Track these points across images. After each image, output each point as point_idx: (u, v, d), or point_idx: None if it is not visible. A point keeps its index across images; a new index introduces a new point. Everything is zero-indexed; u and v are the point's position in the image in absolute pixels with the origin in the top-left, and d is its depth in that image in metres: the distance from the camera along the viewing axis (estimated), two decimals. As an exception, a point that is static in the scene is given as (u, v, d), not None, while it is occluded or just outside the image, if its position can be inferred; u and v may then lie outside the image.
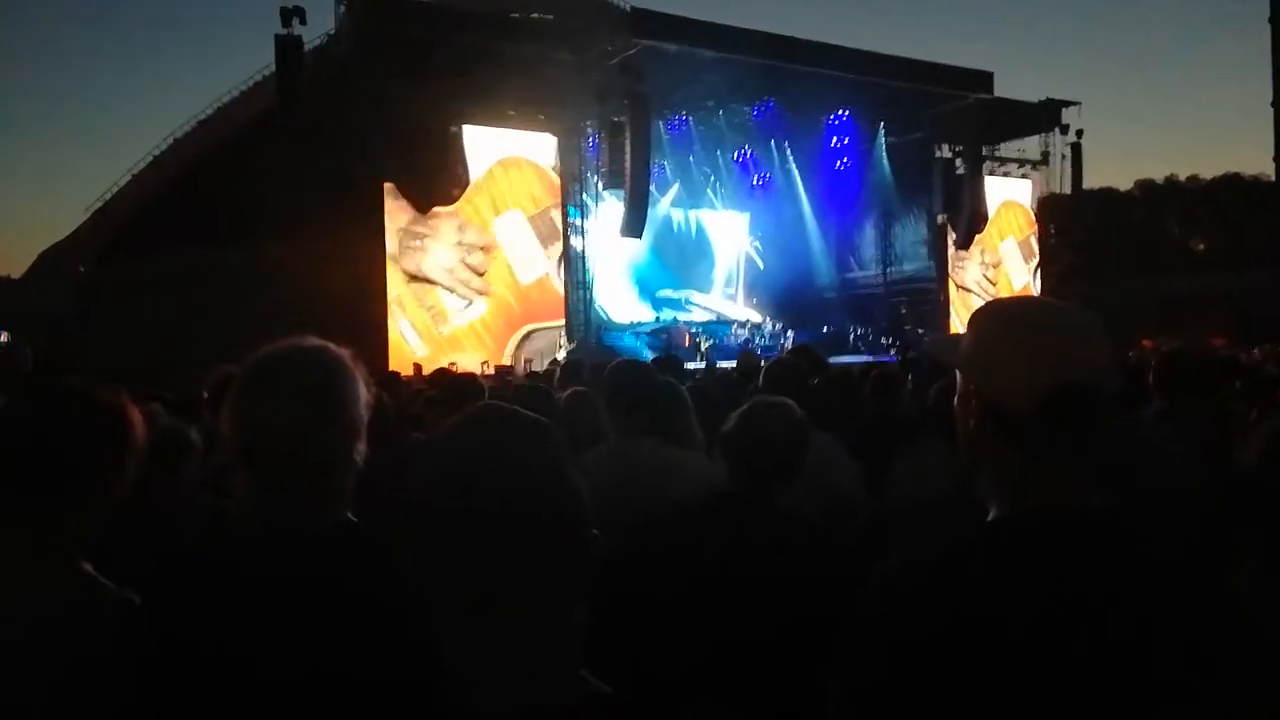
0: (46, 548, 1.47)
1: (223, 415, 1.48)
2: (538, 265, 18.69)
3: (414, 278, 17.16)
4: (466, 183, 17.63)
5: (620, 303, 25.59)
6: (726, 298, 27.97)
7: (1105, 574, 1.11)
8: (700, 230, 27.53)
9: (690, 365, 13.23)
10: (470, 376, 5.31)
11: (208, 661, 1.27)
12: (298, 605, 1.29)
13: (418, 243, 16.94)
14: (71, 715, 1.36)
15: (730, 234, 28.12)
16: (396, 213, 16.96)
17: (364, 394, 1.53)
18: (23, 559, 1.46)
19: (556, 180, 18.76)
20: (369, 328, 17.77)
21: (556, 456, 0.96)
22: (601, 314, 24.31)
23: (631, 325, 24.80)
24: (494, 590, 0.89)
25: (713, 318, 26.44)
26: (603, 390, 3.18)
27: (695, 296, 27.18)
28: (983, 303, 1.33)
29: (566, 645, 0.94)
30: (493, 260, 18.20)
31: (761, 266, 28.44)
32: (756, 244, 28.63)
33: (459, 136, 18.28)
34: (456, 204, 17.38)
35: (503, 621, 0.90)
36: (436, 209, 17.43)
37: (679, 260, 26.98)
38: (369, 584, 1.17)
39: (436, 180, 16.94)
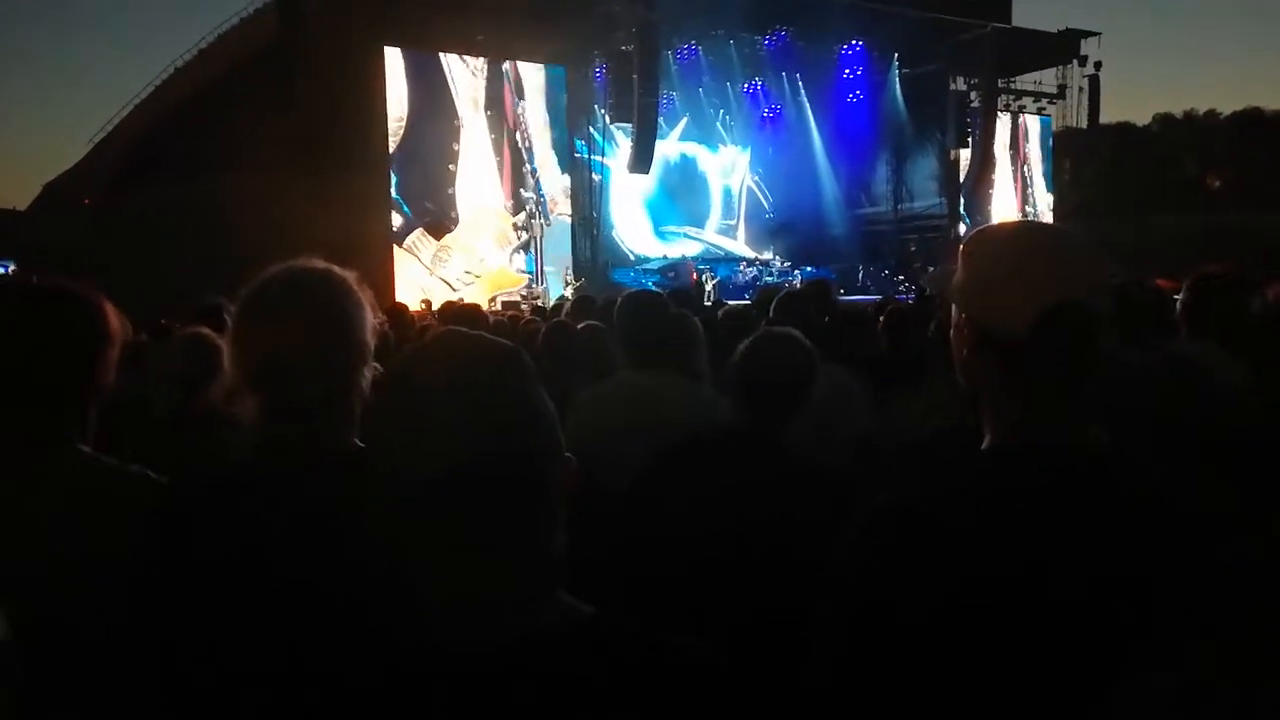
0: (48, 433, 1.55)
1: (225, 340, 1.45)
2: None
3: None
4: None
5: (639, 237, 25.45)
6: (722, 233, 27.65)
7: (1097, 507, 1.09)
8: (697, 166, 27.13)
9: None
10: (475, 307, 5.19)
11: (196, 577, 1.27)
12: (299, 532, 1.26)
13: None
14: (78, 591, 1.38)
15: (731, 170, 27.70)
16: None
17: (371, 319, 1.49)
18: (27, 446, 1.54)
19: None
20: (376, 259, 17.76)
21: (521, 382, 0.91)
22: (621, 246, 24.28)
23: (638, 261, 24.63)
24: (464, 523, 0.86)
25: (720, 255, 26.21)
26: (616, 322, 3.13)
27: (696, 232, 26.90)
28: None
29: (545, 572, 0.92)
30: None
31: (765, 204, 28.07)
32: (757, 179, 28.21)
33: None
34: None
35: (474, 554, 0.87)
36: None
37: (685, 195, 26.66)
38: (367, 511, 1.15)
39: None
